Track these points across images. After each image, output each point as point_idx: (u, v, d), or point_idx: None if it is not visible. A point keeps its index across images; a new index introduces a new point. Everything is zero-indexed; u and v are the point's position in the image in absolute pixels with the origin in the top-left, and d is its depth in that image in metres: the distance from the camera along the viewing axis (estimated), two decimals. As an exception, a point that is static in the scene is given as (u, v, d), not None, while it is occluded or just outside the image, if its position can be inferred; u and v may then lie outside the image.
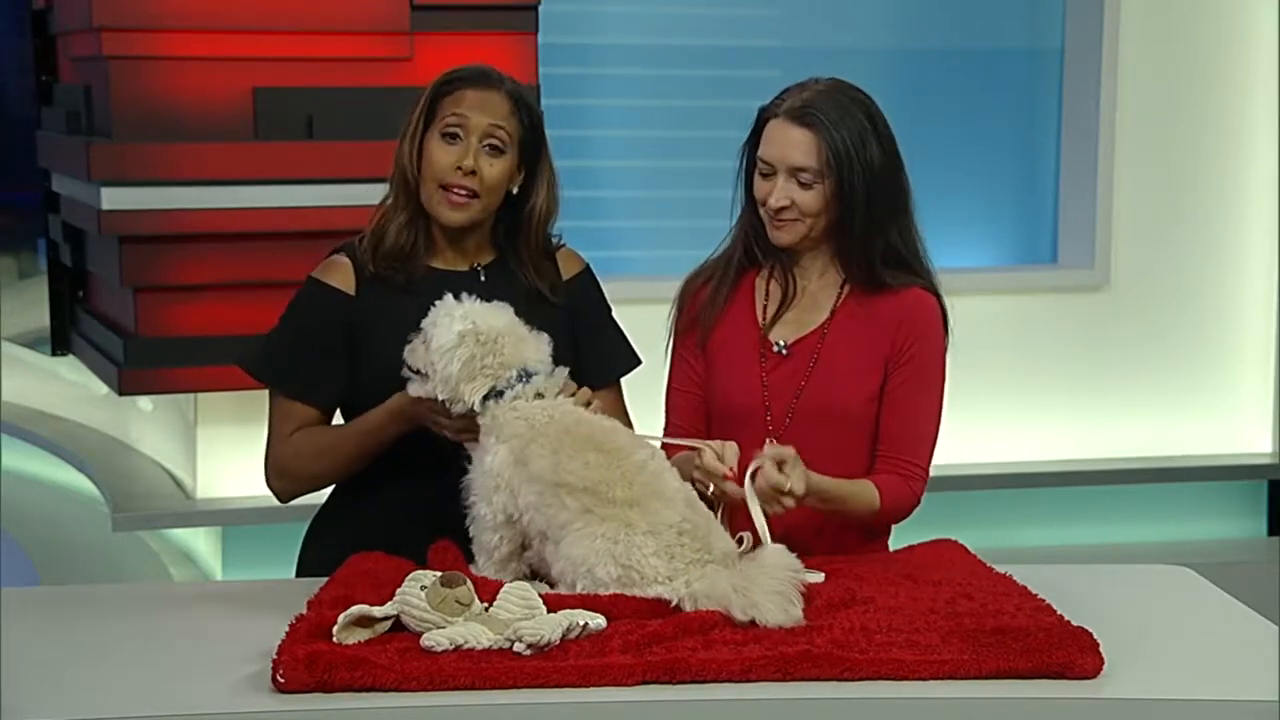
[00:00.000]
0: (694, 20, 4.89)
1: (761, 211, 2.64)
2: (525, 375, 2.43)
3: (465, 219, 2.61)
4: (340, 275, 2.64)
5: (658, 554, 2.31)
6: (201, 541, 4.65)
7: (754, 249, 2.70)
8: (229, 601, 2.54)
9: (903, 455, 2.65)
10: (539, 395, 2.44)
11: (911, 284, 2.67)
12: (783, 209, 2.60)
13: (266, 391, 2.71)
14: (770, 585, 2.25)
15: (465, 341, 2.42)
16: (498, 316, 2.46)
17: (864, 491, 2.60)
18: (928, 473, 2.67)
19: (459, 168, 2.57)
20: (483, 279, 2.66)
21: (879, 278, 2.64)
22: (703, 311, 2.70)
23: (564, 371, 2.47)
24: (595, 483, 2.35)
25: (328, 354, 2.63)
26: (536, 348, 2.46)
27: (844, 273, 2.67)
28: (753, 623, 2.23)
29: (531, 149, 2.64)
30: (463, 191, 2.59)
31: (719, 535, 2.39)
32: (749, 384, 2.66)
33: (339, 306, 2.62)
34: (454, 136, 2.58)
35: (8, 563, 4.66)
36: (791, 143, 2.58)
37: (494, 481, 2.40)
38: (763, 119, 2.64)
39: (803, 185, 2.58)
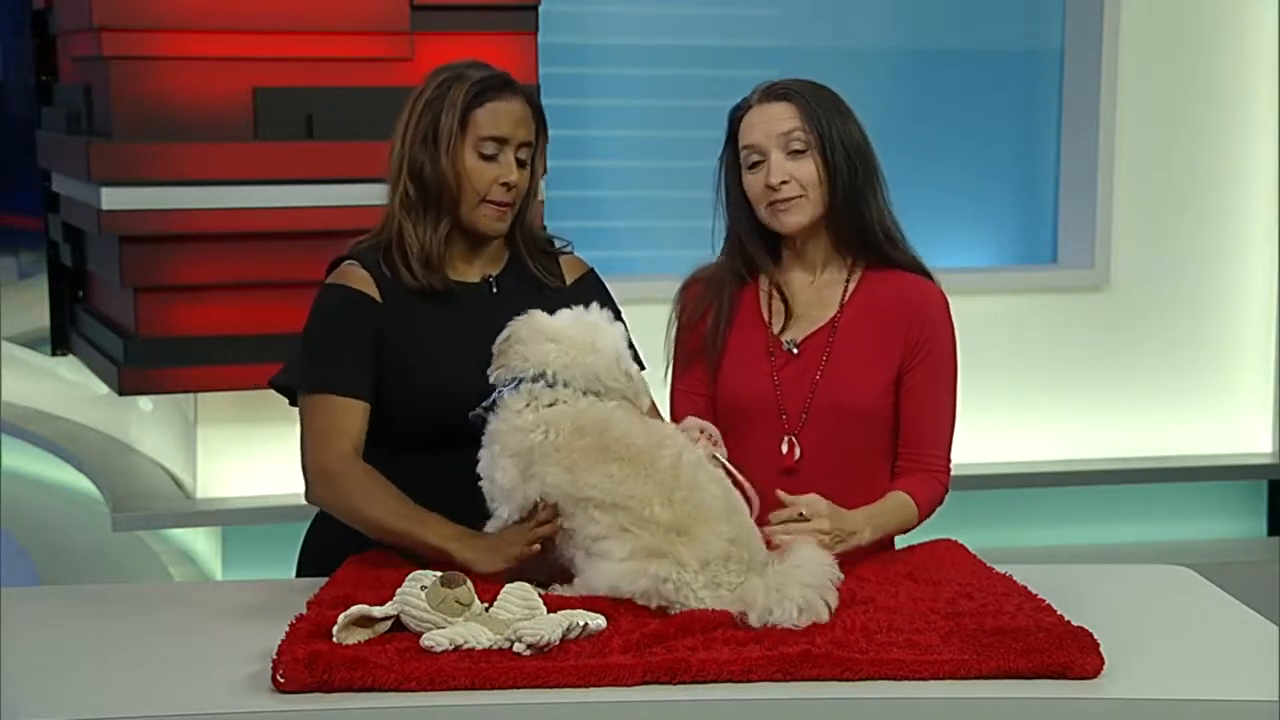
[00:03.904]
0: (694, 20, 4.89)
1: (762, 210, 2.64)
2: (542, 379, 2.42)
3: (504, 229, 2.65)
4: (362, 282, 2.62)
5: (707, 586, 2.30)
6: (201, 541, 4.65)
7: (747, 267, 2.70)
8: (229, 601, 2.53)
9: (926, 451, 2.67)
10: (556, 403, 2.42)
11: (911, 267, 2.68)
12: (783, 184, 2.60)
13: (281, 399, 2.70)
14: (804, 577, 2.27)
15: (514, 328, 2.45)
16: (573, 325, 2.46)
17: (904, 509, 2.62)
18: (950, 462, 2.69)
19: (503, 184, 2.59)
20: (494, 290, 2.66)
21: (884, 252, 2.65)
22: (706, 342, 2.69)
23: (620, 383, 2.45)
24: (626, 498, 2.33)
25: (365, 354, 2.59)
26: (573, 364, 2.43)
27: (849, 256, 2.67)
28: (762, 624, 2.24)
29: (535, 147, 2.66)
30: (505, 204, 2.61)
31: (758, 543, 2.38)
32: (760, 383, 2.66)
33: (368, 311, 2.60)
34: (493, 156, 2.59)
35: (8, 563, 4.66)
36: (773, 117, 2.61)
37: (506, 494, 2.41)
38: (735, 120, 2.66)
39: (794, 155, 2.59)
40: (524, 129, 2.61)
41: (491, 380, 2.47)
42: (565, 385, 2.42)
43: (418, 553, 2.48)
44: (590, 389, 2.43)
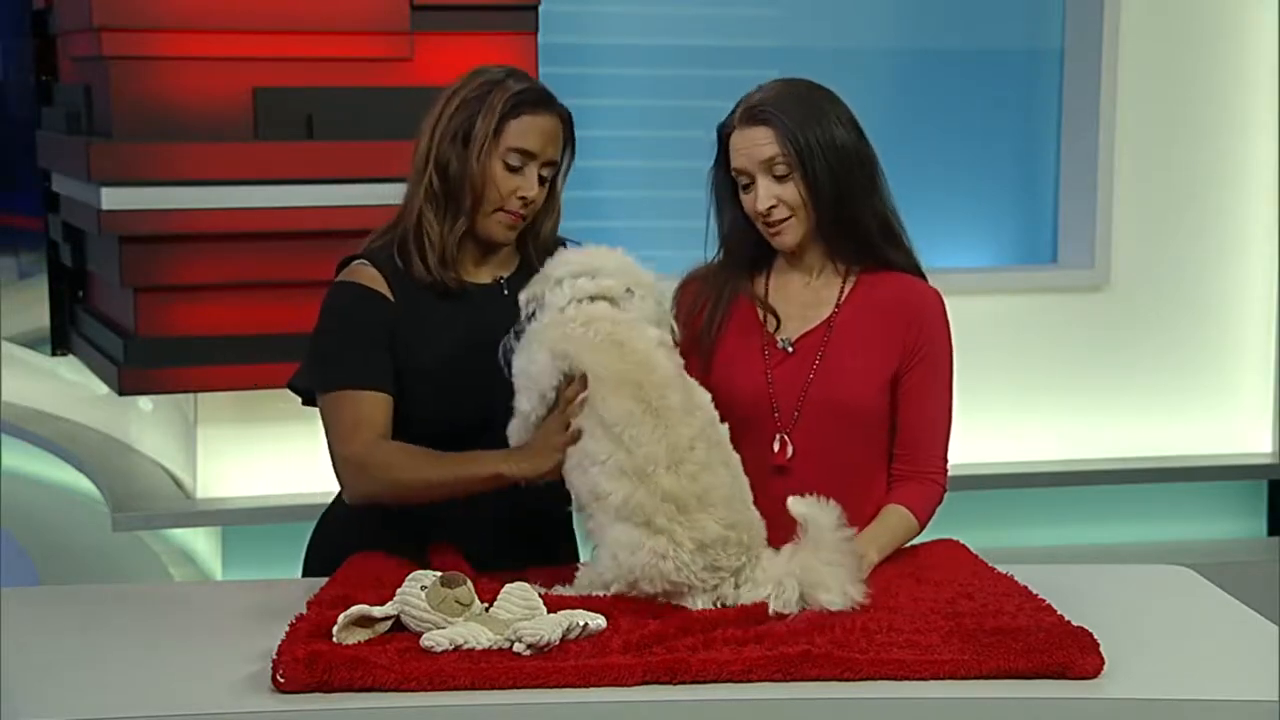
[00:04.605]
0: (694, 20, 4.89)
1: (759, 226, 2.65)
2: (585, 275, 2.45)
3: (513, 238, 2.66)
4: (373, 280, 2.61)
5: (706, 568, 2.32)
6: (201, 541, 4.65)
7: (736, 280, 2.70)
8: (229, 601, 2.54)
9: (923, 455, 2.66)
10: (602, 300, 2.44)
11: (908, 268, 2.68)
12: (771, 209, 2.60)
13: (282, 399, 2.69)
14: (829, 557, 2.31)
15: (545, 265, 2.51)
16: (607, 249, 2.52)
17: (904, 523, 2.62)
18: (947, 463, 2.69)
19: (521, 197, 2.60)
20: (505, 293, 2.67)
21: (881, 254, 2.65)
22: (701, 335, 2.70)
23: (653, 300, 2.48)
24: (635, 444, 2.33)
25: (381, 348, 2.59)
26: (623, 266, 2.48)
27: (844, 261, 2.67)
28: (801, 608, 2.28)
29: (561, 167, 2.68)
30: (518, 215, 2.62)
31: (758, 529, 2.40)
32: (754, 382, 2.66)
33: (382, 307, 2.60)
34: (518, 168, 2.60)
35: (8, 563, 4.66)
36: (753, 142, 2.60)
37: (534, 380, 2.42)
38: (724, 138, 2.66)
39: (779, 179, 2.59)
40: (552, 147, 2.62)
41: (525, 299, 2.49)
42: (609, 278, 2.44)
43: (474, 490, 2.48)
44: (633, 285, 2.46)
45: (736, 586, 2.34)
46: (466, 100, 2.60)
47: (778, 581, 2.32)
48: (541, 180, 2.62)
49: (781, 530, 2.45)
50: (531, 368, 2.43)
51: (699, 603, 2.32)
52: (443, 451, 2.51)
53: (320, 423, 2.60)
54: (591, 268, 2.47)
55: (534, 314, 2.48)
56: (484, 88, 2.60)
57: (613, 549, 2.33)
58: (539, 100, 2.61)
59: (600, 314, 2.43)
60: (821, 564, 2.32)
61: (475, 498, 2.50)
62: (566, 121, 2.65)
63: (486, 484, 2.47)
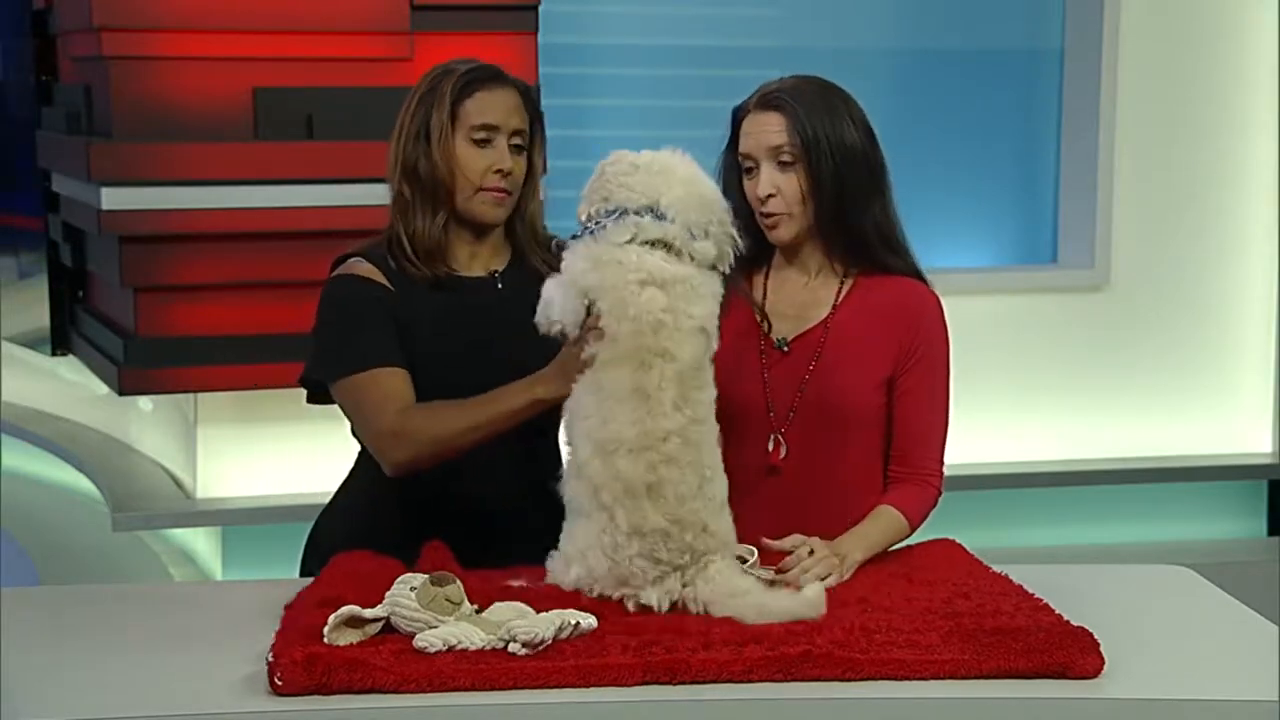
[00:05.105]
0: (694, 20, 4.89)
1: (757, 217, 2.65)
2: (650, 212, 2.39)
3: (504, 215, 2.66)
4: (370, 272, 2.63)
5: (642, 555, 2.30)
6: (201, 541, 4.65)
7: (744, 263, 2.69)
8: (229, 601, 2.53)
9: (918, 457, 2.65)
10: (661, 245, 2.38)
11: (907, 274, 2.67)
12: (770, 198, 2.60)
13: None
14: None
15: (605, 165, 2.44)
16: (669, 158, 2.43)
17: (894, 524, 2.60)
18: (943, 466, 2.68)
19: (498, 171, 2.61)
20: (499, 286, 2.67)
21: (879, 259, 2.65)
22: None
23: (714, 249, 2.43)
24: (612, 417, 2.32)
25: (389, 329, 2.60)
26: (686, 196, 2.40)
27: (841, 264, 2.67)
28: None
29: (532, 140, 2.68)
30: (502, 190, 2.62)
31: (711, 532, 2.35)
32: (750, 381, 2.65)
33: (382, 299, 2.61)
34: (486, 142, 2.61)
35: (8, 563, 4.66)
36: (764, 128, 2.60)
37: (574, 289, 2.39)
38: (737, 120, 2.66)
39: (783, 167, 2.59)
40: (516, 117, 2.63)
41: (582, 218, 2.44)
42: (673, 221, 2.39)
43: (513, 423, 2.48)
44: (696, 224, 2.40)
45: (684, 585, 2.32)
46: (422, 97, 2.63)
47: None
48: (516, 150, 2.63)
49: (772, 529, 2.48)
50: (581, 279, 2.38)
51: (652, 598, 2.30)
52: (469, 400, 2.50)
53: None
54: (656, 200, 2.39)
55: (592, 231, 2.40)
56: (434, 81, 2.64)
57: (569, 509, 2.35)
58: (489, 76, 2.64)
59: (655, 269, 2.35)
60: (754, 612, 2.27)
61: (484, 491, 2.48)
62: (524, 93, 2.66)
63: (524, 413, 2.47)
